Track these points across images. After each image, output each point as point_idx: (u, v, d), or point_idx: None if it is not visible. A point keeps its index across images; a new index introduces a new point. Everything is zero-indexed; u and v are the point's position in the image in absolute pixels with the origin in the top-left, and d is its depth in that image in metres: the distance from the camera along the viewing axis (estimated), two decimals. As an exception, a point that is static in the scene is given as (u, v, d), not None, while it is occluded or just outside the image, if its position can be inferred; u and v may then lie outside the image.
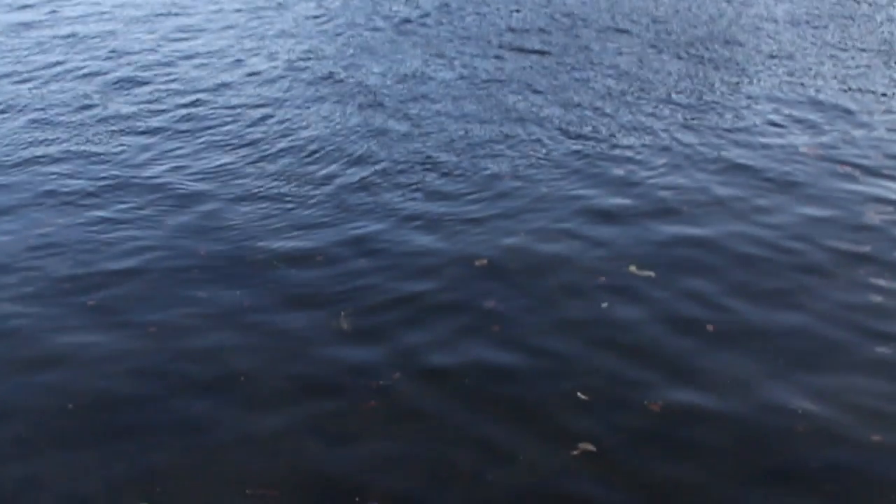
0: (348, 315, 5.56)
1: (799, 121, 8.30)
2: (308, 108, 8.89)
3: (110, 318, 5.47)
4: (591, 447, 4.35)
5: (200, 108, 8.88)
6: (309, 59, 10.32)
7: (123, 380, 4.92)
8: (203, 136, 8.21)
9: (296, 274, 6.00)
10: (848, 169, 7.28)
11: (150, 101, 9.12)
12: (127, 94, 9.31)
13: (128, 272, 5.98)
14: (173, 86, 9.54)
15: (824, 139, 7.87)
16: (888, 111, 8.49)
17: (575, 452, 4.32)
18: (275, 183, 7.28)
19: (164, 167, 7.58)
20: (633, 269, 6.12)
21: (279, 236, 6.45)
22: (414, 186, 7.20)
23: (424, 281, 5.92)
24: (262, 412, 4.67)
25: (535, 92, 9.17)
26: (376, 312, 5.56)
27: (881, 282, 5.74)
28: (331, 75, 9.75)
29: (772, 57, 10.01)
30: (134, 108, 8.92)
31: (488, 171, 7.42)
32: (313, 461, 4.31)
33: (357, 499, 4.04)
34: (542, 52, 10.36)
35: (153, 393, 4.82)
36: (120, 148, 7.98)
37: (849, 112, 8.45)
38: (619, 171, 7.37)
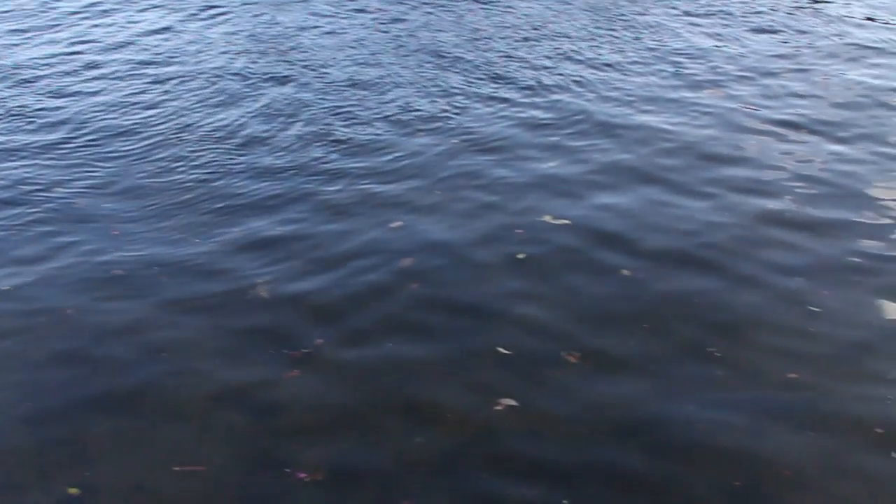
0: (267, 283, 5.55)
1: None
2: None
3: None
4: (513, 402, 4.45)
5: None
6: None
7: (46, 364, 4.86)
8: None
9: (209, 245, 5.96)
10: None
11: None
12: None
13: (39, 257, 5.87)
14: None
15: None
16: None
17: (498, 408, 4.41)
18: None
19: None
20: (548, 218, 6.20)
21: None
22: (323, 142, 7.18)
23: (340, 242, 5.93)
24: (186, 387, 4.65)
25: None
26: (295, 280, 5.55)
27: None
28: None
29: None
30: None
31: (397, 127, 7.41)
32: (241, 434, 4.32)
33: (287, 469, 4.07)
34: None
35: (77, 374, 4.77)
36: None
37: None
38: (526, 116, 7.45)
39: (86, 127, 7.68)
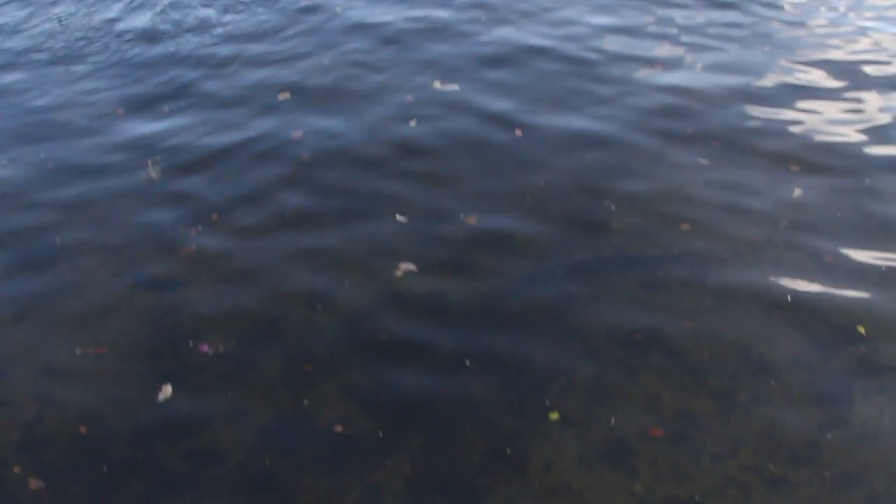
0: (156, 164, 5.43)
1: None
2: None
3: None
4: (412, 266, 4.47)
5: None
6: None
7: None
8: None
9: (98, 137, 5.77)
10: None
11: None
12: None
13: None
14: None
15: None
16: None
17: (398, 273, 4.43)
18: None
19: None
20: (437, 84, 6.15)
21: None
22: (209, 28, 6.93)
23: (229, 128, 5.81)
24: (84, 271, 4.56)
25: None
26: (185, 165, 5.44)
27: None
28: None
29: None
30: None
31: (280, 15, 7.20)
32: (142, 315, 4.27)
33: (190, 342, 4.05)
34: None
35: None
36: None
37: None
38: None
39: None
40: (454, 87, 6.06)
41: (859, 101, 5.71)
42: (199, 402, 3.73)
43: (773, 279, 4.20)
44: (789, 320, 3.95)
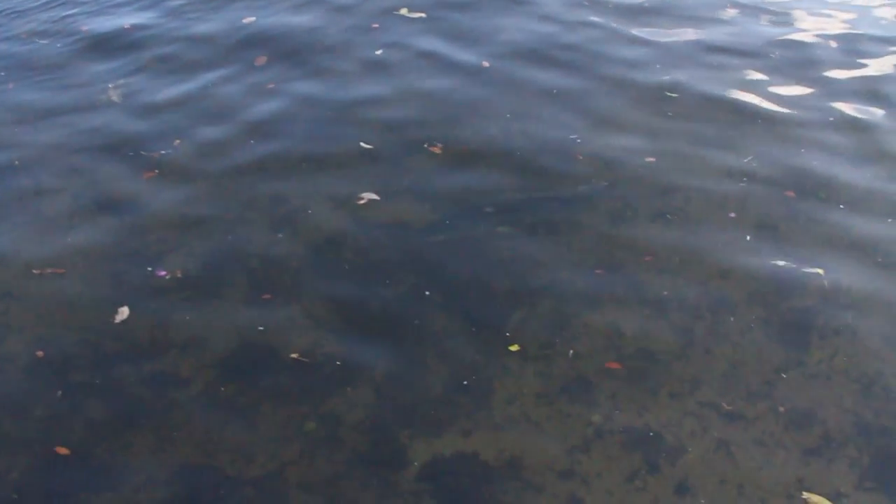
0: (117, 87, 5.30)
1: None
2: None
3: None
4: (374, 196, 4.41)
5: None
6: None
7: None
8: None
9: (58, 49, 5.60)
10: None
11: None
12: None
13: None
14: None
15: None
16: None
17: (361, 202, 4.37)
18: None
19: None
20: (404, 11, 6.04)
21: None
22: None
23: (198, 47, 5.67)
24: (44, 194, 4.46)
25: None
26: (148, 85, 5.30)
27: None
28: None
29: None
30: None
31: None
32: (100, 237, 4.18)
33: (149, 269, 3.98)
34: None
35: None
36: None
37: None
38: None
39: None
40: (420, 13, 5.95)
41: None
42: (158, 326, 3.68)
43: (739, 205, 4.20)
44: (750, 253, 3.96)
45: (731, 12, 6.12)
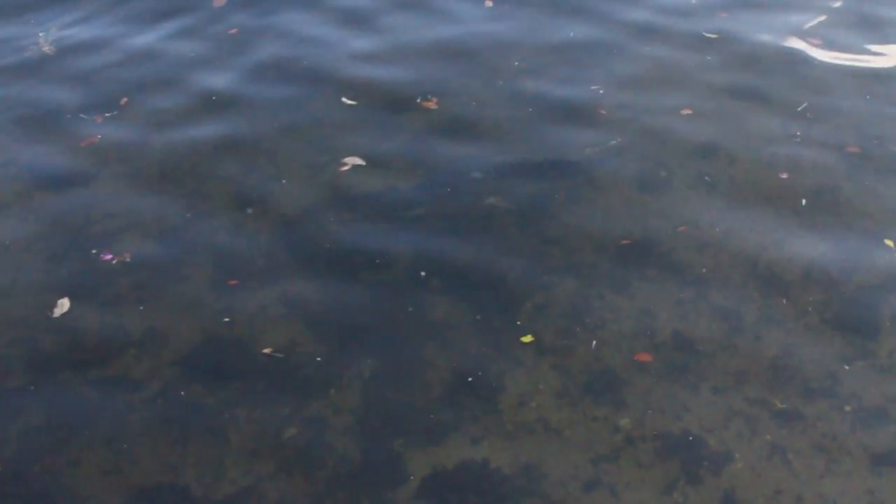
0: (50, 35, 5.24)
1: None
2: None
3: None
4: (359, 161, 4.33)
5: None
6: None
7: None
8: None
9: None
10: None
11: None
12: None
13: None
14: None
15: None
16: None
17: (343, 168, 4.29)
18: None
19: None
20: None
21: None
22: None
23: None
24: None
25: None
26: (90, 39, 5.23)
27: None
28: None
29: None
30: None
31: None
32: (38, 216, 4.10)
33: (94, 251, 3.90)
34: None
35: None
36: None
37: None
38: None
39: None
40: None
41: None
42: (105, 320, 3.59)
43: (784, 176, 4.12)
44: (805, 224, 3.89)
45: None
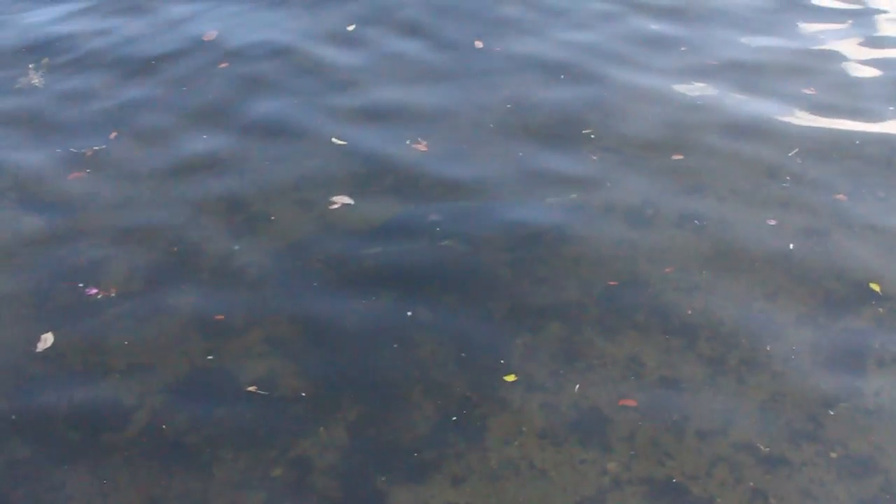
0: (40, 67, 5.26)
1: None
2: None
3: None
4: (348, 199, 4.35)
5: None
6: None
7: None
8: None
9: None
10: None
11: None
12: None
13: None
14: None
15: None
16: None
17: (333, 207, 4.31)
18: None
19: None
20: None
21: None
22: None
23: (144, 37, 5.63)
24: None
25: None
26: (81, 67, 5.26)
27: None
28: None
29: None
30: None
31: None
32: (22, 250, 4.11)
33: (81, 284, 3.90)
34: None
35: None
36: None
37: None
38: None
39: None
40: None
41: None
42: (90, 352, 3.58)
43: (774, 223, 4.15)
44: (792, 275, 3.90)
45: None
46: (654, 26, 5.76)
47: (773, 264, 3.94)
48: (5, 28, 5.84)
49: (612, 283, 3.85)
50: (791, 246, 4.03)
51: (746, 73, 5.26)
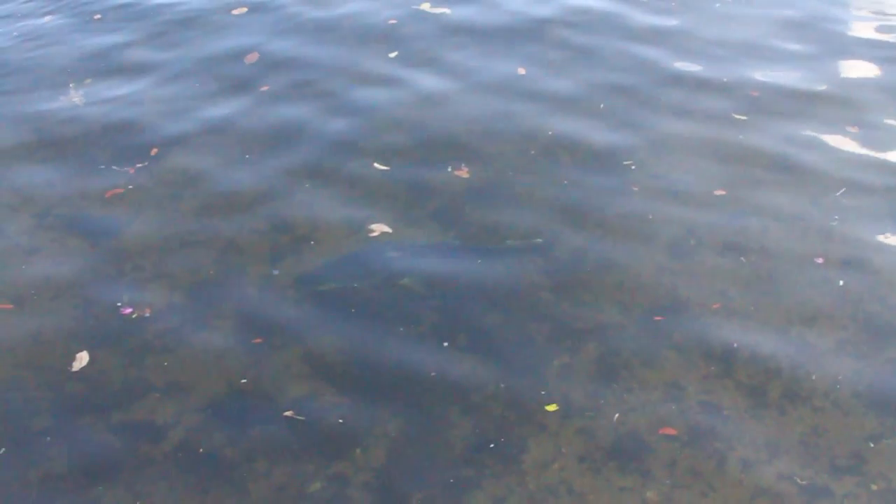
0: (81, 84, 5.37)
1: None
2: None
3: None
4: (386, 228, 4.39)
5: None
6: None
7: None
8: None
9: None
10: None
11: None
12: None
13: None
14: None
15: None
16: None
17: (373, 234, 4.34)
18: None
19: None
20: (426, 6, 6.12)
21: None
22: None
23: (180, 46, 5.74)
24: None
25: None
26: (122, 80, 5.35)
27: None
28: None
29: None
30: None
31: None
32: (63, 268, 4.18)
33: (119, 303, 3.95)
34: None
35: None
36: None
37: None
38: None
39: None
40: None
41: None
42: (128, 370, 3.63)
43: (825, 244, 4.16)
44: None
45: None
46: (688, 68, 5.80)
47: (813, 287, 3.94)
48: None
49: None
50: (841, 282, 4.01)
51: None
